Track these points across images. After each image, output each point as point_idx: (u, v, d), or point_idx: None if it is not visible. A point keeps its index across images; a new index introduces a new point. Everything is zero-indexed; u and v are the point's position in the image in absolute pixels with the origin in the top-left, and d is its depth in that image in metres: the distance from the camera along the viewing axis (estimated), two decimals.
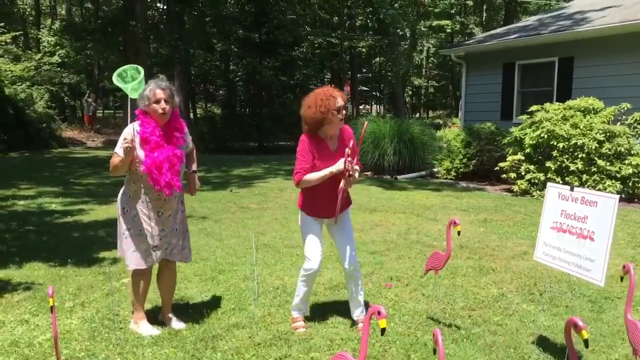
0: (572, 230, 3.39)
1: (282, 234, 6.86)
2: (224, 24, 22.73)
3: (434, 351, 2.13)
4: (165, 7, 22.04)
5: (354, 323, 3.94)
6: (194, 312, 4.18)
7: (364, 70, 43.84)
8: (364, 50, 38.38)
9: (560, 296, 4.60)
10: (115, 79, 3.85)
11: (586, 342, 2.13)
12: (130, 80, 3.88)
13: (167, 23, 21.73)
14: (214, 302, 4.43)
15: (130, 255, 3.73)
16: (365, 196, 9.72)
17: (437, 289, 4.71)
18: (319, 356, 3.47)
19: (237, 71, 22.94)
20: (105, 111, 36.79)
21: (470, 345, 3.65)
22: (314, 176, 3.66)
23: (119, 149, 3.60)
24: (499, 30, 17.29)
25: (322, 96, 3.64)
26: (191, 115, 26.17)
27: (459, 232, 3.80)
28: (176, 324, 3.92)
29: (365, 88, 45.04)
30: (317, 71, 28.01)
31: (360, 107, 41.27)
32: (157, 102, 3.63)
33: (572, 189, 3.45)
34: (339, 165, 3.61)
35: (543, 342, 3.67)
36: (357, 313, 3.95)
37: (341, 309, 4.18)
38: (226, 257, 5.81)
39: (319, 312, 4.20)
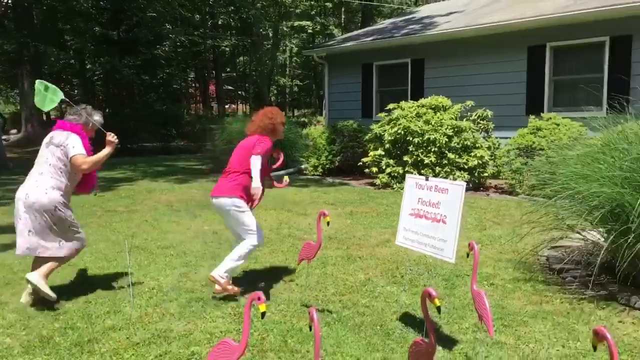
0: (427, 215, 3.79)
1: (153, 236, 6.78)
2: (78, 20, 21.55)
3: (310, 328, 2.33)
4: (10, 1, 20.41)
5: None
6: (65, 318, 4.07)
7: (228, 69, 43.70)
8: (227, 49, 38.25)
9: (419, 277, 5.07)
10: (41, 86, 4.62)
11: (439, 309, 2.44)
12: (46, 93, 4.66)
13: (13, 19, 20.17)
14: (87, 307, 4.33)
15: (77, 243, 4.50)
16: None
17: (310, 278, 4.98)
18: (199, 350, 3.56)
19: (94, 70, 21.87)
20: None
21: (341, 326, 3.94)
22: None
23: (80, 149, 4.58)
24: (358, 32, 18.14)
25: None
26: (44, 117, 24.51)
27: (328, 223, 4.09)
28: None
29: (230, 87, 44.90)
30: (180, 70, 27.47)
31: (226, 106, 41.03)
32: None
33: (427, 179, 3.86)
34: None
35: (405, 318, 4.06)
36: (214, 270, 4.43)
37: (219, 303, 4.31)
38: (96, 261, 5.65)
39: (197, 307, 4.28)
